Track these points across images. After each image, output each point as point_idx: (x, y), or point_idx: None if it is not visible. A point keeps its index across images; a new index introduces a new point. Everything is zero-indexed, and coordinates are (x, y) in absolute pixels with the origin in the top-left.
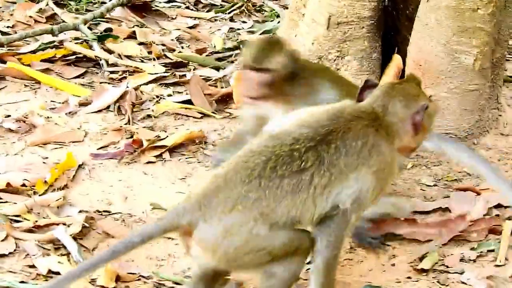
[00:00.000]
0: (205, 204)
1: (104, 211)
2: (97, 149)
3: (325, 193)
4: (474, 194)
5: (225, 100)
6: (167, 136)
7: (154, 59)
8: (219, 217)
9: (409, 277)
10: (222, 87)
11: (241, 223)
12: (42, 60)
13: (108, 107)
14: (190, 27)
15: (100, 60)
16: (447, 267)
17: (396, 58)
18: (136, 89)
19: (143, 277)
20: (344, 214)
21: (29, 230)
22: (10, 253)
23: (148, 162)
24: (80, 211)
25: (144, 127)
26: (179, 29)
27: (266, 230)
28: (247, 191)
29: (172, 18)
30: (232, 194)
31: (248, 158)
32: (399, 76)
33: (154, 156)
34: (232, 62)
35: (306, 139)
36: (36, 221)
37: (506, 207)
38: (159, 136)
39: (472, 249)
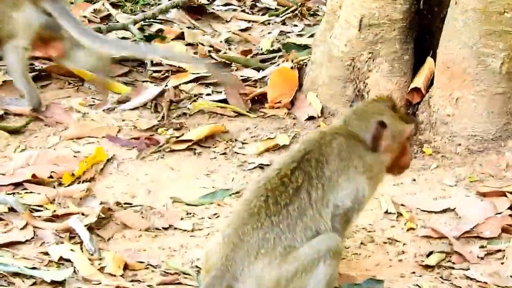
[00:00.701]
0: (231, 265)
1: (125, 203)
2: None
3: (325, 203)
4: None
5: (261, 100)
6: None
7: None
8: (248, 270)
9: (413, 272)
10: (260, 87)
11: (269, 263)
12: None
13: (146, 104)
14: (242, 30)
15: (145, 59)
16: (454, 263)
17: (429, 61)
18: (175, 87)
19: (151, 266)
20: (346, 214)
21: (49, 220)
22: (27, 240)
23: (176, 158)
24: (101, 203)
25: (178, 123)
26: (229, 31)
27: (291, 255)
28: (264, 234)
29: (227, 21)
30: (252, 243)
31: (248, 206)
32: (430, 78)
33: (181, 151)
34: (274, 63)
35: (287, 165)
36: (55, 211)
37: None
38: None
39: (482, 247)
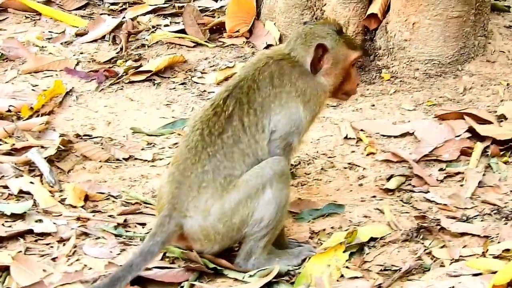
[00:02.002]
0: (176, 202)
1: (85, 135)
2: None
3: (259, 129)
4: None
5: (219, 29)
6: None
7: None
8: (193, 205)
9: (374, 196)
10: (218, 17)
11: (211, 195)
12: None
13: (104, 37)
14: None
15: None
16: (413, 186)
17: None
18: (133, 19)
19: (112, 196)
20: (285, 138)
21: (7, 153)
22: None
23: (135, 89)
24: (61, 135)
25: (136, 55)
26: None
27: (232, 180)
28: (202, 167)
29: None
30: (192, 178)
31: (187, 140)
32: (387, 4)
33: (140, 82)
34: None
35: (220, 94)
36: (14, 145)
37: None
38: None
39: (441, 170)
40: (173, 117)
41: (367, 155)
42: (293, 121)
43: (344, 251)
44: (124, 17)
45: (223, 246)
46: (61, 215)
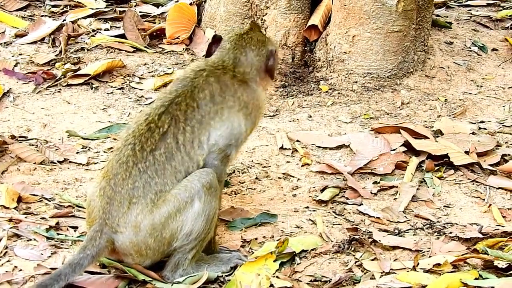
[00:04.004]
0: (107, 218)
1: (20, 136)
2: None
3: (195, 145)
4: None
5: (159, 35)
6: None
7: None
8: (124, 220)
9: (307, 207)
10: (159, 23)
11: (141, 211)
12: None
13: (43, 39)
14: None
15: None
16: (347, 199)
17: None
18: (74, 22)
19: (46, 198)
20: (224, 150)
21: None
22: None
23: (73, 92)
24: None
25: (75, 58)
26: None
27: (163, 197)
28: (133, 182)
29: None
30: (123, 194)
31: (118, 155)
32: (328, 16)
33: (78, 85)
34: None
35: (155, 109)
36: None
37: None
38: (79, 68)
39: (375, 183)
40: (109, 121)
41: (302, 166)
42: (234, 135)
43: (274, 261)
44: (64, 20)
45: (154, 260)
46: None
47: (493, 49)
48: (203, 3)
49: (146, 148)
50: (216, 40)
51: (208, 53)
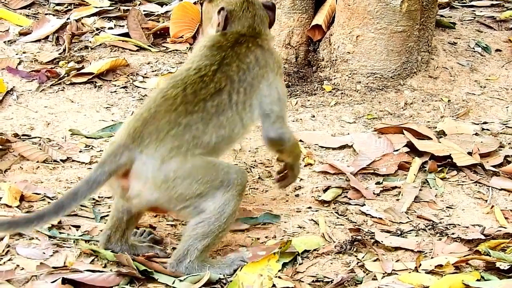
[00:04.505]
0: (138, 136)
1: (23, 135)
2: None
3: (247, 107)
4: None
5: (163, 34)
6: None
7: None
8: (154, 145)
9: (309, 207)
10: (163, 22)
11: (176, 147)
12: None
13: (47, 37)
14: None
15: None
16: (350, 199)
17: None
18: (78, 21)
19: (48, 197)
20: (280, 116)
21: None
22: None
23: (76, 91)
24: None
25: (79, 56)
26: None
27: (199, 153)
28: (176, 117)
29: None
30: (162, 123)
31: (164, 93)
32: (332, 16)
33: (82, 84)
34: None
35: (207, 66)
36: None
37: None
38: (83, 67)
39: (378, 183)
40: (112, 120)
41: (305, 166)
42: (282, 99)
43: (277, 261)
44: (68, 18)
45: (158, 202)
46: None
47: (497, 50)
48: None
49: (199, 95)
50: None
51: (223, 26)
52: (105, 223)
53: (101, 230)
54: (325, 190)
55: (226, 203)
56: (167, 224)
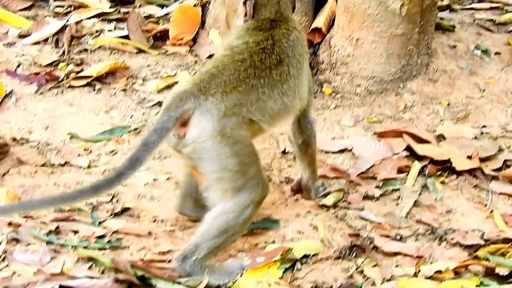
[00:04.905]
0: (204, 86)
1: (22, 138)
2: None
3: (301, 82)
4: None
5: (163, 37)
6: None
7: None
8: (220, 96)
9: (309, 212)
10: (163, 25)
11: (239, 105)
12: None
13: (47, 40)
14: None
15: None
16: (349, 203)
17: (331, 1)
18: (77, 23)
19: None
20: (311, 104)
21: None
22: None
23: (75, 94)
24: None
25: (78, 59)
26: None
27: (259, 117)
28: (245, 77)
29: None
30: (231, 78)
31: (231, 57)
32: (332, 18)
33: (81, 87)
34: (177, 0)
35: (263, 40)
36: None
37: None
38: (82, 69)
39: (377, 187)
40: (111, 123)
41: None
42: (310, 87)
43: (277, 268)
44: (68, 20)
45: (205, 156)
46: None
47: (496, 53)
48: (207, 4)
49: (265, 63)
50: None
51: (246, 13)
52: (103, 228)
53: (98, 236)
54: (325, 195)
55: (246, 205)
56: None
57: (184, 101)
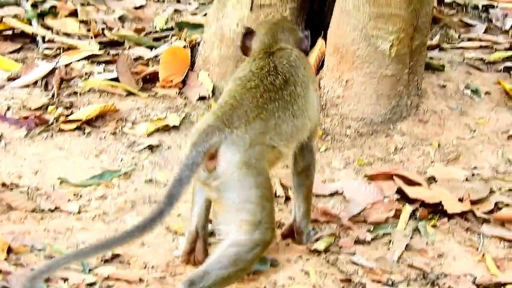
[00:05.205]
0: (227, 118)
1: (11, 183)
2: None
3: (305, 103)
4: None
5: (153, 79)
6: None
7: (91, 37)
8: (244, 127)
9: (300, 257)
10: (152, 66)
11: (262, 134)
12: None
13: (36, 82)
14: (136, 8)
15: (37, 36)
16: (340, 248)
17: (320, 43)
18: (67, 66)
19: (36, 249)
20: (316, 132)
21: None
22: None
23: (65, 137)
24: None
25: (68, 102)
26: (123, 9)
27: (279, 141)
28: (263, 103)
29: None
30: (251, 107)
31: (244, 85)
32: (321, 59)
33: (71, 131)
34: (167, 42)
35: (265, 65)
36: None
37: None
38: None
39: (369, 231)
40: (101, 167)
41: None
42: (318, 110)
43: None
44: (57, 63)
45: (232, 188)
46: None
47: (486, 92)
48: (197, 46)
49: (275, 84)
50: (249, 33)
51: (244, 47)
52: (94, 275)
53: (88, 284)
54: (317, 239)
55: (258, 244)
56: None
57: (210, 135)
